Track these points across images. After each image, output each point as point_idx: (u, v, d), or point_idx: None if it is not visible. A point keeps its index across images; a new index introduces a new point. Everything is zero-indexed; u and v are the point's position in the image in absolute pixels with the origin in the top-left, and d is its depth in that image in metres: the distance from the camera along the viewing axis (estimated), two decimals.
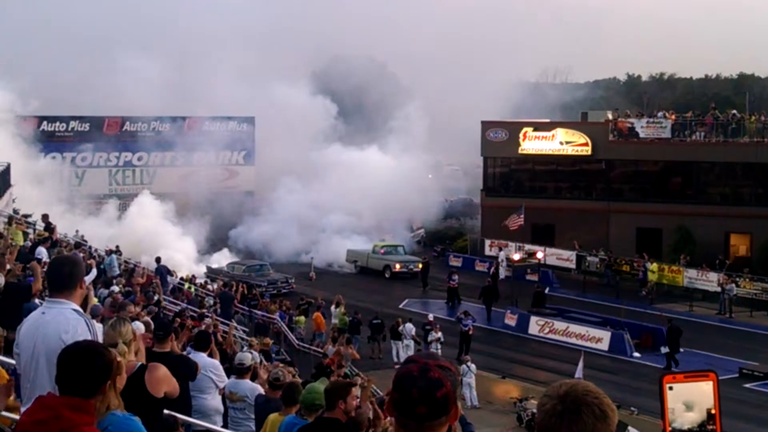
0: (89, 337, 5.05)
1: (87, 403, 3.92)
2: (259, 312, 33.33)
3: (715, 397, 2.75)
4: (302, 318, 33.45)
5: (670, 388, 2.74)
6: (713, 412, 2.76)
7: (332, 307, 33.96)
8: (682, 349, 32.63)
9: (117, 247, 33.87)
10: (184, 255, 44.72)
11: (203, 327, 17.51)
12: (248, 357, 11.47)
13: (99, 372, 3.98)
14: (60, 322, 5.08)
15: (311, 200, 54.05)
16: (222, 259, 47.62)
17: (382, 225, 53.48)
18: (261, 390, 10.74)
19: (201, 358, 10.25)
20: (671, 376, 2.75)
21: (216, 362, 10.85)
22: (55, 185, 47.66)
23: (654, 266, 42.61)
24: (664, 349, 31.42)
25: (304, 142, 58.91)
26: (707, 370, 2.75)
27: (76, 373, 3.92)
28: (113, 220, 48.14)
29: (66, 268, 5.41)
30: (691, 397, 2.73)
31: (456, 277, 41.50)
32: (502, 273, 43.04)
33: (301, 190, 55.48)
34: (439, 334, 31.11)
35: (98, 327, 5.17)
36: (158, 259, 34.18)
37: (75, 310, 5.16)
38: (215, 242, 50.34)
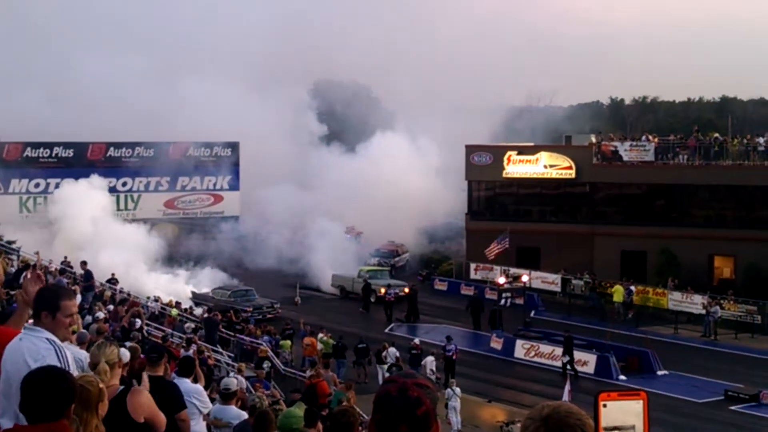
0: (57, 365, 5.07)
1: (60, 425, 3.99)
2: (248, 338, 33.25)
3: (645, 416, 2.85)
4: (288, 342, 33.34)
5: (604, 405, 2.85)
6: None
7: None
8: (666, 372, 32.86)
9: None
10: (137, 262, 43.41)
11: (189, 352, 17.56)
12: (233, 382, 11.54)
13: (63, 395, 4.04)
14: (30, 348, 5.10)
15: (294, 209, 54.19)
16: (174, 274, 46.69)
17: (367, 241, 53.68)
18: (245, 416, 10.80)
19: (184, 383, 10.28)
20: (606, 394, 2.85)
21: (200, 388, 10.88)
22: None
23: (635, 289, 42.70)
24: (565, 359, 32.36)
25: (292, 158, 59.20)
26: (639, 390, 2.86)
27: (41, 398, 3.98)
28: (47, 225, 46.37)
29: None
30: (623, 415, 2.85)
31: (392, 291, 42.62)
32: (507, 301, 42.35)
33: (285, 197, 55.57)
34: (432, 359, 30.94)
35: (70, 355, 5.19)
36: (83, 263, 31.57)
37: (48, 339, 5.19)
38: (173, 253, 49.71)
